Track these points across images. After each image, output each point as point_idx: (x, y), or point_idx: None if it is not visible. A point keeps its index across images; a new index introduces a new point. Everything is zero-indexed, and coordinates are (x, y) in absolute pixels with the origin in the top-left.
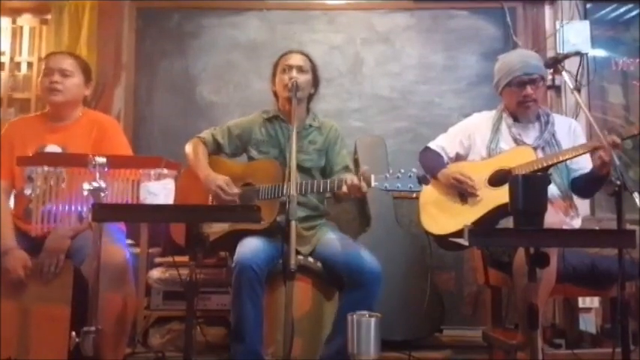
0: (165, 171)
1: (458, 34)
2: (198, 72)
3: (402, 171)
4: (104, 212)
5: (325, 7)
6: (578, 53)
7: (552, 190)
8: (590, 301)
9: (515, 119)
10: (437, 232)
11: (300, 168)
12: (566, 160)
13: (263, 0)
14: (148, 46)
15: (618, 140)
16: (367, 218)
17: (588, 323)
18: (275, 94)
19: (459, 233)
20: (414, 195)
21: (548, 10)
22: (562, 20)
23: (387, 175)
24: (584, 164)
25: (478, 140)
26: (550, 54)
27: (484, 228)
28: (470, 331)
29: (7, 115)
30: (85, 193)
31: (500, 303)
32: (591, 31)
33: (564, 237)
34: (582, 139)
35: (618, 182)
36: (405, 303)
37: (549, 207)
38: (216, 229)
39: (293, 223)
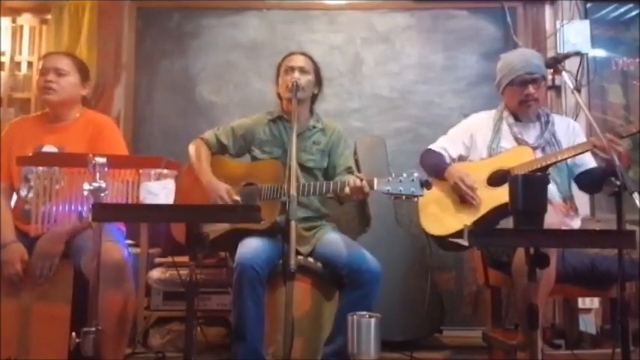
0: (166, 171)
1: (458, 34)
2: (198, 72)
3: (405, 175)
4: (104, 212)
5: (325, 7)
6: (578, 53)
7: (552, 190)
8: (590, 302)
9: (516, 118)
10: (436, 232)
11: (303, 168)
12: (565, 159)
13: (263, 0)
14: (148, 46)
15: (618, 140)
16: (367, 218)
17: (588, 324)
18: (279, 96)
19: (458, 234)
20: (415, 198)
21: (548, 10)
22: (562, 20)
23: (390, 179)
24: (587, 160)
25: (479, 140)
26: (550, 54)
27: (484, 228)
28: (470, 331)
29: (7, 115)
30: (85, 193)
31: (500, 303)
32: (591, 31)
33: (564, 237)
34: (582, 138)
35: (618, 182)
36: (405, 303)
37: (549, 207)
38: (216, 227)
39: (293, 224)
